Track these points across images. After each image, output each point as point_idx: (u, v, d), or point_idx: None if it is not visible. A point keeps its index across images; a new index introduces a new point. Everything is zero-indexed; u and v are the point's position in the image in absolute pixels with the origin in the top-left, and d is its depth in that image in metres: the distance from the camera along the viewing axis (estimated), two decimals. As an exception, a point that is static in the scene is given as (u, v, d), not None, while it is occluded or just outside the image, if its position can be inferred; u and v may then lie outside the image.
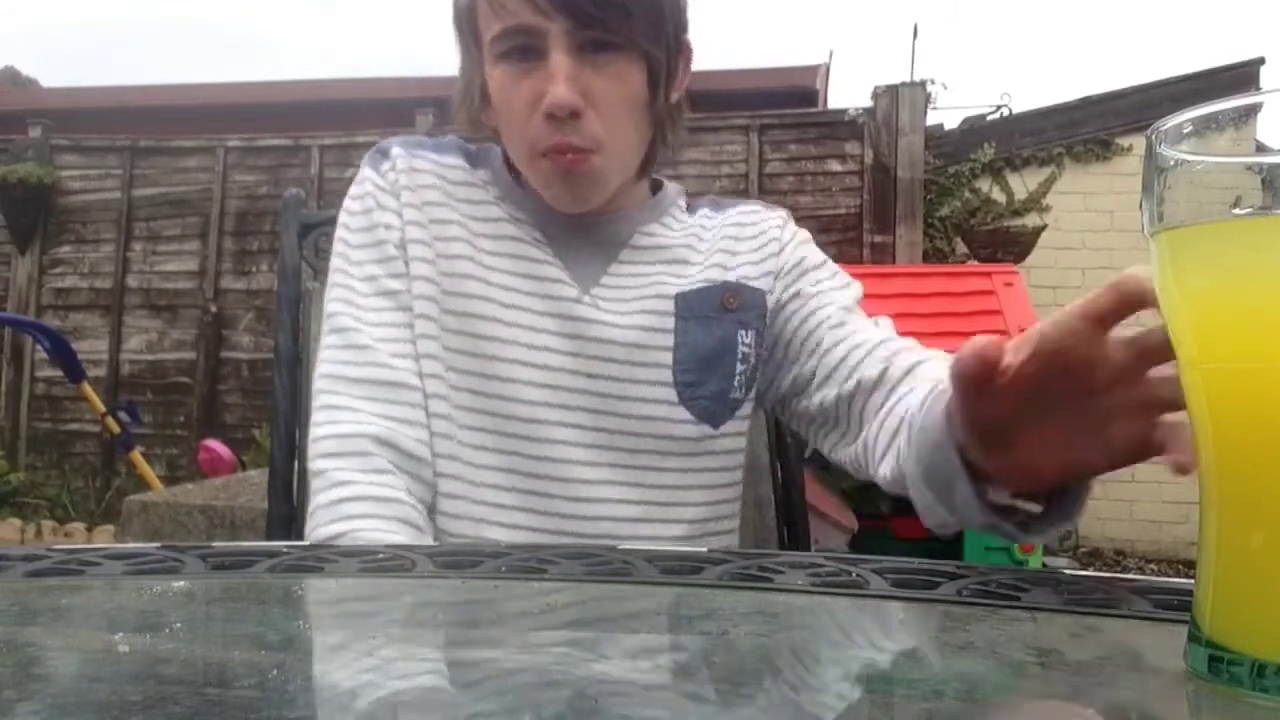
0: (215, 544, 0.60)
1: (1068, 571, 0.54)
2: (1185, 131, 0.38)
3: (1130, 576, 0.53)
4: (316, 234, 1.16)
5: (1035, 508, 0.61)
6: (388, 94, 6.50)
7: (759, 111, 5.56)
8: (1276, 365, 0.34)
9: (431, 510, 0.87)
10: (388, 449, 0.85)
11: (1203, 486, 0.39)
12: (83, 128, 6.45)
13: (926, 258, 5.36)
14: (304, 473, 0.89)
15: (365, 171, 0.94)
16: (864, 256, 5.36)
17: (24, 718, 0.30)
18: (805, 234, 1.00)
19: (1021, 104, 5.77)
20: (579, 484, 0.87)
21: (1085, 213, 5.39)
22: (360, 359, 0.87)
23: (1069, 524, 0.61)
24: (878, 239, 5.39)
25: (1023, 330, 3.40)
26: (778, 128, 5.56)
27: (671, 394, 0.89)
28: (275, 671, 0.38)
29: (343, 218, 0.94)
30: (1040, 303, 4.60)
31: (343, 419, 0.86)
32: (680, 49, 0.91)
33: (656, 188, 1.01)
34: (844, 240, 5.44)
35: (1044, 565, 3.40)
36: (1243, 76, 5.36)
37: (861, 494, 3.80)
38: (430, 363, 0.88)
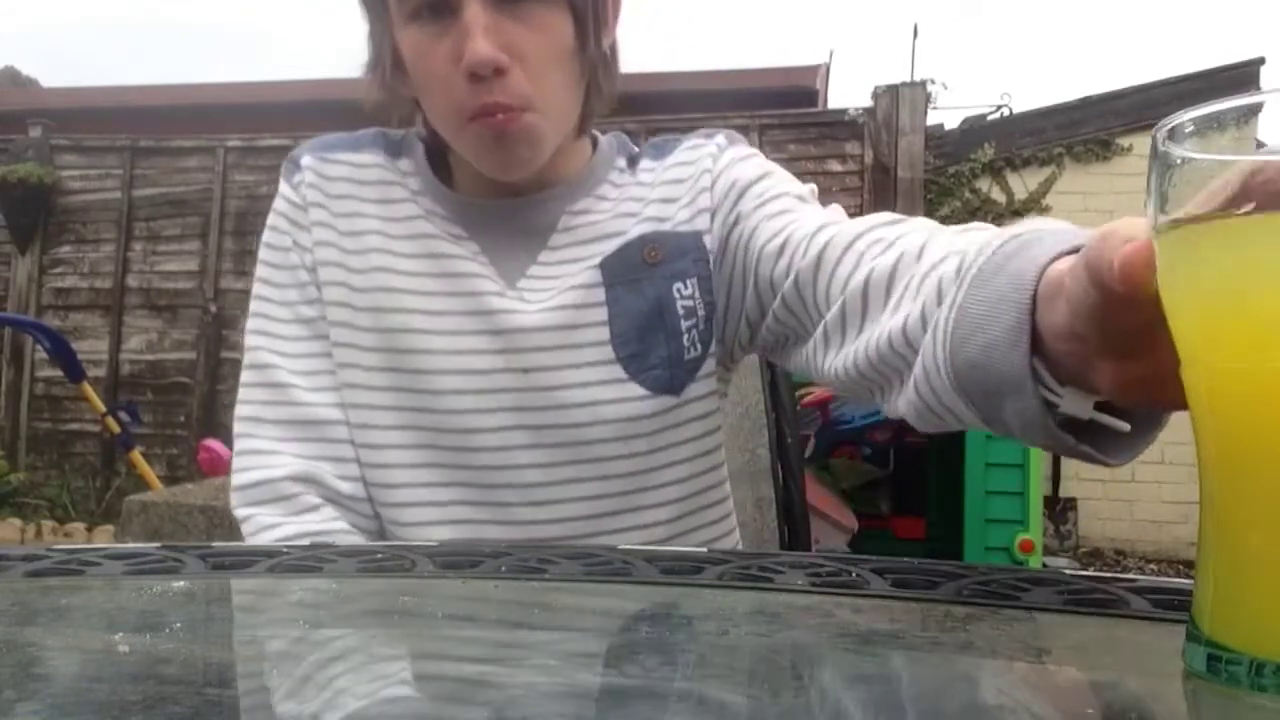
0: (215, 544, 0.60)
1: (1068, 571, 0.54)
2: (1189, 130, 0.38)
3: (1130, 576, 0.53)
4: (316, 234, 1.16)
5: (1123, 425, 0.51)
6: (388, 94, 6.49)
7: (759, 111, 5.56)
8: (1278, 364, 0.34)
9: (391, 539, 0.84)
10: (313, 485, 0.82)
11: (1203, 486, 0.39)
12: (83, 128, 6.45)
13: (926, 258, 5.36)
14: None
15: (280, 186, 0.89)
16: (864, 256, 5.36)
17: (24, 718, 0.30)
18: (744, 151, 0.89)
19: (1021, 104, 5.79)
20: (535, 488, 0.82)
21: (1085, 213, 5.39)
22: (278, 398, 0.83)
23: (1149, 442, 0.52)
24: (878, 239, 5.38)
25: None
26: (778, 128, 5.56)
27: (617, 371, 0.82)
28: (275, 671, 0.38)
29: (265, 236, 0.89)
30: (1040, 303, 4.59)
31: (262, 464, 0.82)
32: None
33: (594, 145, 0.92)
34: (844, 240, 5.44)
35: (1044, 565, 3.40)
36: (1243, 76, 5.36)
37: (861, 494, 3.81)
38: (356, 392, 0.83)
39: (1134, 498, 5.33)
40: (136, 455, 4.76)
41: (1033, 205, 5.43)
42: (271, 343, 0.85)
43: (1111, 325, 0.44)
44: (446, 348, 0.83)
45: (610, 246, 0.85)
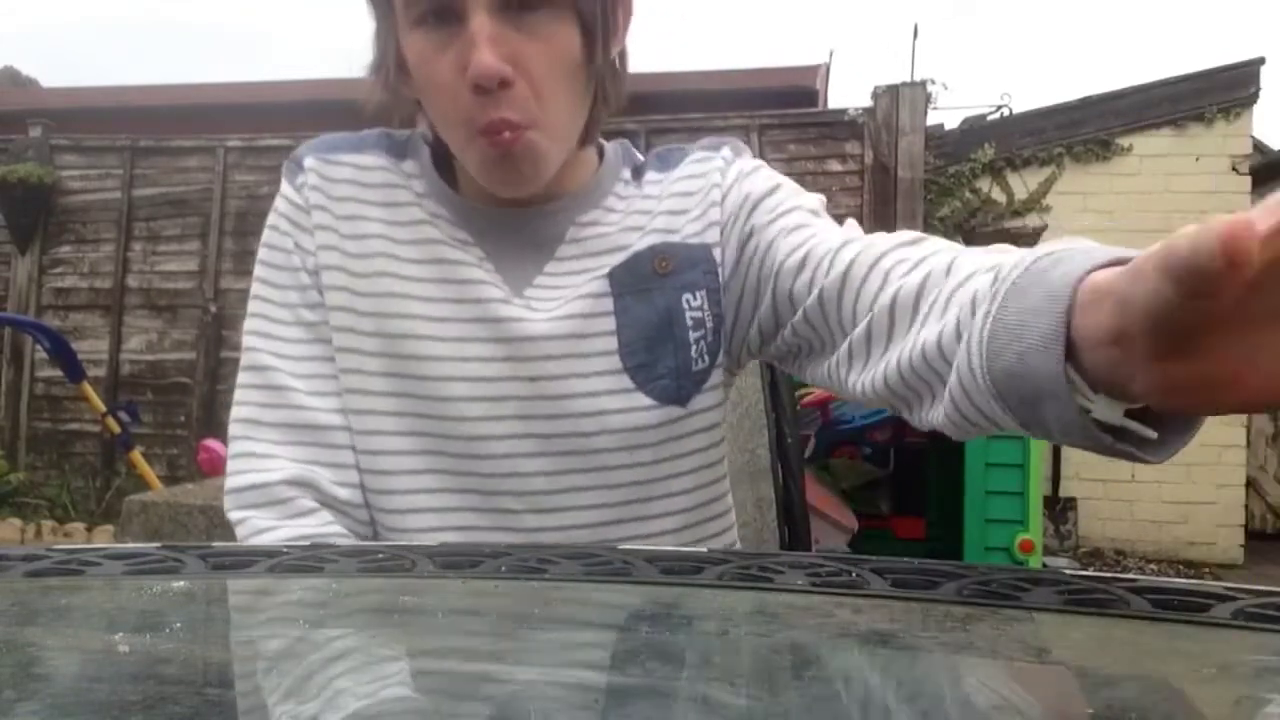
0: (215, 544, 0.60)
1: (1068, 571, 0.54)
2: None
3: (1130, 576, 0.53)
4: (316, 234, 1.16)
5: (1150, 433, 0.53)
6: (388, 94, 6.49)
7: (759, 111, 5.56)
8: None
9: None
10: (309, 489, 0.81)
11: None
12: (83, 128, 6.45)
13: (926, 258, 5.35)
14: None
15: (282, 186, 0.88)
16: (864, 256, 5.36)
17: (24, 718, 0.30)
18: (752, 163, 0.88)
19: (1021, 104, 5.79)
20: (540, 495, 0.82)
21: (1085, 213, 5.39)
22: (275, 400, 0.82)
23: (1187, 441, 0.54)
24: (878, 239, 5.39)
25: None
26: (778, 128, 5.56)
27: (625, 381, 0.81)
28: (275, 672, 0.38)
29: (264, 237, 0.87)
30: (1040, 303, 4.59)
31: (257, 466, 0.81)
32: None
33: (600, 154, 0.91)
34: (844, 240, 5.44)
35: (1044, 565, 3.40)
36: (1243, 76, 5.36)
37: (861, 494, 3.81)
38: (357, 398, 0.82)
39: (1134, 498, 5.33)
40: (136, 455, 4.76)
41: (1033, 205, 5.43)
42: (270, 344, 0.84)
43: (1179, 321, 0.43)
44: (452, 354, 0.82)
45: (617, 259, 0.84)
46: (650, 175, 0.89)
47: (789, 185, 0.87)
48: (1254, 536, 5.49)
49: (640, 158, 0.92)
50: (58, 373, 5.24)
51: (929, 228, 5.42)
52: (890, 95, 5.43)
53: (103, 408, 4.76)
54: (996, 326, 0.54)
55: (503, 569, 0.55)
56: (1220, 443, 5.25)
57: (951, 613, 0.47)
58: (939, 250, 0.71)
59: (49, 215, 6.26)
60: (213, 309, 6.02)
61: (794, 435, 1.25)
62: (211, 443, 4.99)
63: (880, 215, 5.39)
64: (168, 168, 6.23)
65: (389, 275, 0.83)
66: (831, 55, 12.46)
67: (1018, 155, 5.47)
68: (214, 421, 5.90)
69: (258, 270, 0.87)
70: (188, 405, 6.01)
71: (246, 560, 0.56)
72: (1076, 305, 0.50)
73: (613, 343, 0.82)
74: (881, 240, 0.76)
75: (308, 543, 0.78)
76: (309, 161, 0.87)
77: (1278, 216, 0.43)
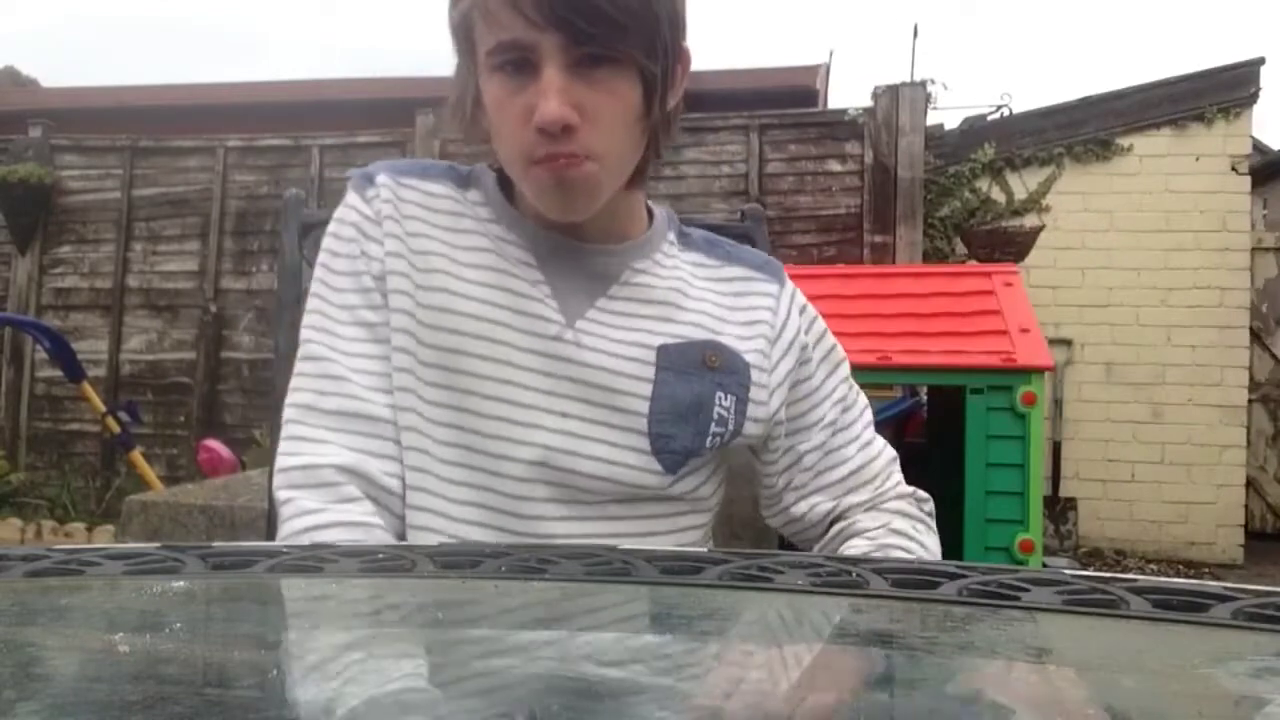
0: (215, 544, 0.60)
1: (1068, 571, 0.54)
2: None
3: (1130, 576, 0.53)
4: (317, 234, 1.16)
5: None
6: (388, 94, 6.50)
7: (759, 111, 5.55)
8: None
9: (400, 539, 0.87)
10: (357, 478, 0.85)
11: None
12: (83, 128, 6.44)
13: (926, 258, 5.36)
14: None
15: (350, 197, 0.93)
16: (864, 256, 5.36)
17: (24, 718, 0.30)
18: (799, 301, 0.99)
19: (1021, 104, 5.78)
20: (543, 521, 0.86)
21: (1085, 213, 5.39)
22: (333, 389, 0.87)
23: None
24: (878, 239, 5.38)
25: (1023, 330, 3.33)
26: (778, 128, 5.55)
27: (644, 443, 0.88)
28: (274, 671, 0.38)
29: (326, 241, 0.93)
30: (1040, 303, 4.59)
31: (309, 450, 0.85)
32: (679, 56, 0.89)
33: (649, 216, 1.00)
34: (844, 240, 5.44)
35: (1044, 565, 3.40)
36: (1243, 76, 5.35)
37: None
38: (405, 396, 0.87)
39: (1134, 498, 5.33)
40: (136, 455, 4.76)
41: (1033, 205, 5.43)
42: (328, 339, 0.89)
43: None
44: (499, 375, 0.87)
45: (662, 320, 0.91)
46: (698, 255, 0.98)
47: (828, 340, 1.01)
48: (1254, 536, 5.48)
49: (680, 226, 1.00)
50: (58, 373, 5.24)
51: (929, 227, 5.42)
52: (890, 95, 5.43)
53: (103, 408, 4.76)
54: None
55: (502, 569, 0.55)
56: (1220, 443, 5.25)
57: (951, 613, 0.47)
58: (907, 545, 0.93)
59: (49, 215, 6.26)
60: (213, 309, 6.02)
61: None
62: (211, 443, 4.99)
63: (880, 215, 5.39)
64: (168, 168, 6.23)
65: (447, 292, 0.89)
66: (831, 55, 12.47)
67: (1018, 155, 5.46)
68: (214, 421, 5.90)
69: (318, 272, 0.92)
70: (188, 405, 6.01)
71: (246, 560, 0.56)
72: None
73: (644, 406, 0.88)
74: (873, 519, 0.96)
75: (309, 541, 0.79)
76: (382, 178, 0.93)
77: None
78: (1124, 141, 5.38)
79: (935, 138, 5.54)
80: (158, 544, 0.60)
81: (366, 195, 0.92)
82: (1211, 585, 0.48)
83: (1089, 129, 5.43)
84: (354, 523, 0.82)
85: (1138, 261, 5.32)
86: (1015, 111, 5.69)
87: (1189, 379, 5.27)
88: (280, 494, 0.85)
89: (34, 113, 6.61)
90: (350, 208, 0.93)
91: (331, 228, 0.93)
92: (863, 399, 1.01)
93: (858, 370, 1.03)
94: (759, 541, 1.15)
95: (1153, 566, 5.18)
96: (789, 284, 0.99)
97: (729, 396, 0.91)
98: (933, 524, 0.99)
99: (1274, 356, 5.74)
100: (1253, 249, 5.44)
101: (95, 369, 5.87)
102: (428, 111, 5.78)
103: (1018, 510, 3.21)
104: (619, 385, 0.88)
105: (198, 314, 6.05)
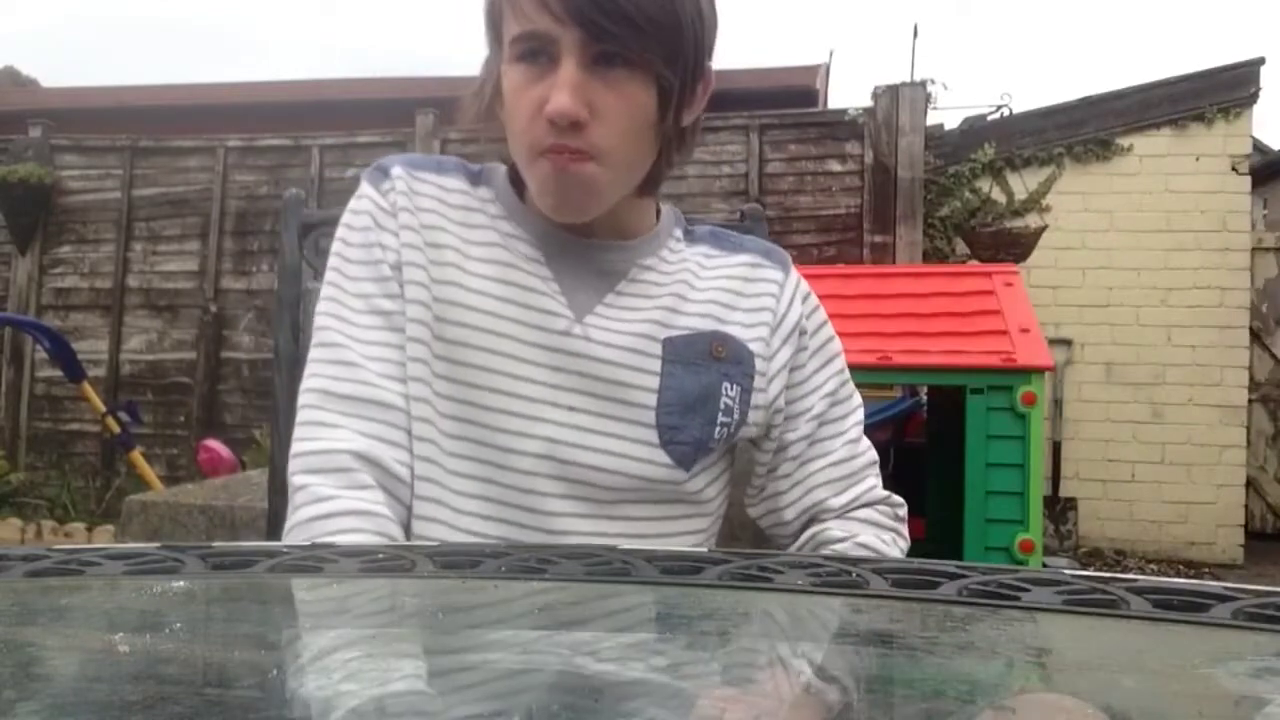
0: (215, 544, 0.60)
1: (1068, 571, 0.54)
2: None
3: (1130, 576, 0.53)
4: (317, 234, 1.16)
5: None
6: (388, 94, 6.50)
7: (759, 111, 5.55)
8: None
9: (407, 531, 0.87)
10: (369, 465, 0.85)
11: None
12: (83, 128, 6.44)
13: (926, 258, 5.36)
14: None
15: (365, 188, 0.94)
16: (864, 256, 5.36)
17: (24, 718, 0.30)
18: (802, 290, 1.00)
19: (1021, 104, 5.77)
20: (551, 517, 0.87)
21: (1085, 213, 5.39)
22: (347, 375, 0.87)
23: None
24: (878, 239, 5.38)
25: (1024, 330, 3.33)
26: (778, 128, 5.55)
27: (652, 436, 0.88)
28: (274, 671, 0.38)
29: (341, 232, 0.94)
30: (1040, 303, 4.60)
31: (324, 435, 0.86)
32: (700, 74, 0.89)
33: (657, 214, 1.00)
34: (844, 240, 5.44)
35: (1044, 565, 3.40)
36: (1243, 76, 5.35)
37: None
38: (419, 385, 0.88)
39: (1134, 498, 5.33)
40: (136, 455, 4.76)
41: (1033, 205, 5.42)
42: (343, 326, 0.90)
43: None
44: (506, 369, 0.87)
45: (669, 313, 0.92)
46: (704, 248, 0.99)
47: (826, 330, 1.01)
48: (1254, 536, 5.48)
49: (686, 223, 1.01)
50: (58, 373, 5.24)
51: (929, 227, 5.42)
52: (890, 95, 5.43)
53: (103, 408, 4.77)
54: None
55: (503, 569, 0.55)
56: (1220, 443, 5.25)
57: (951, 613, 0.47)
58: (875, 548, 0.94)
59: (49, 215, 6.26)
60: (213, 309, 6.02)
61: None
62: (211, 443, 4.99)
63: (880, 215, 5.39)
64: (168, 168, 6.23)
65: (457, 286, 0.89)
66: (831, 55, 12.47)
67: (1018, 155, 5.46)
68: (214, 421, 5.90)
69: (332, 261, 0.93)
70: (188, 405, 6.01)
71: (246, 560, 0.56)
72: None
73: (652, 399, 0.89)
74: (849, 521, 0.97)
75: (321, 529, 0.80)
76: (397, 171, 0.94)
77: None
78: (1124, 141, 5.38)
79: (935, 138, 5.54)
80: (158, 544, 0.60)
81: (381, 187, 0.93)
82: (1211, 585, 0.48)
83: (1089, 129, 5.42)
84: (365, 511, 0.83)
85: (1138, 261, 5.32)
86: (1015, 111, 5.69)
87: (1189, 379, 5.27)
88: (295, 479, 0.85)
89: (34, 113, 6.61)
90: (365, 198, 0.94)
91: (345, 218, 0.94)
92: (856, 398, 1.01)
93: (858, 370, 1.04)
94: (759, 541, 1.15)
95: (1153, 566, 5.18)
96: (794, 272, 1.00)
97: (735, 386, 0.92)
98: (904, 529, 1.00)
99: (1274, 356, 5.74)
100: (1253, 249, 5.43)
101: (95, 369, 5.87)
102: (428, 111, 5.79)
103: (1018, 510, 3.21)
104: (626, 379, 0.89)
105: (198, 314, 6.05)
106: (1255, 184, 5.64)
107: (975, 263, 4.80)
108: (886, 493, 0.99)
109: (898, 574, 0.52)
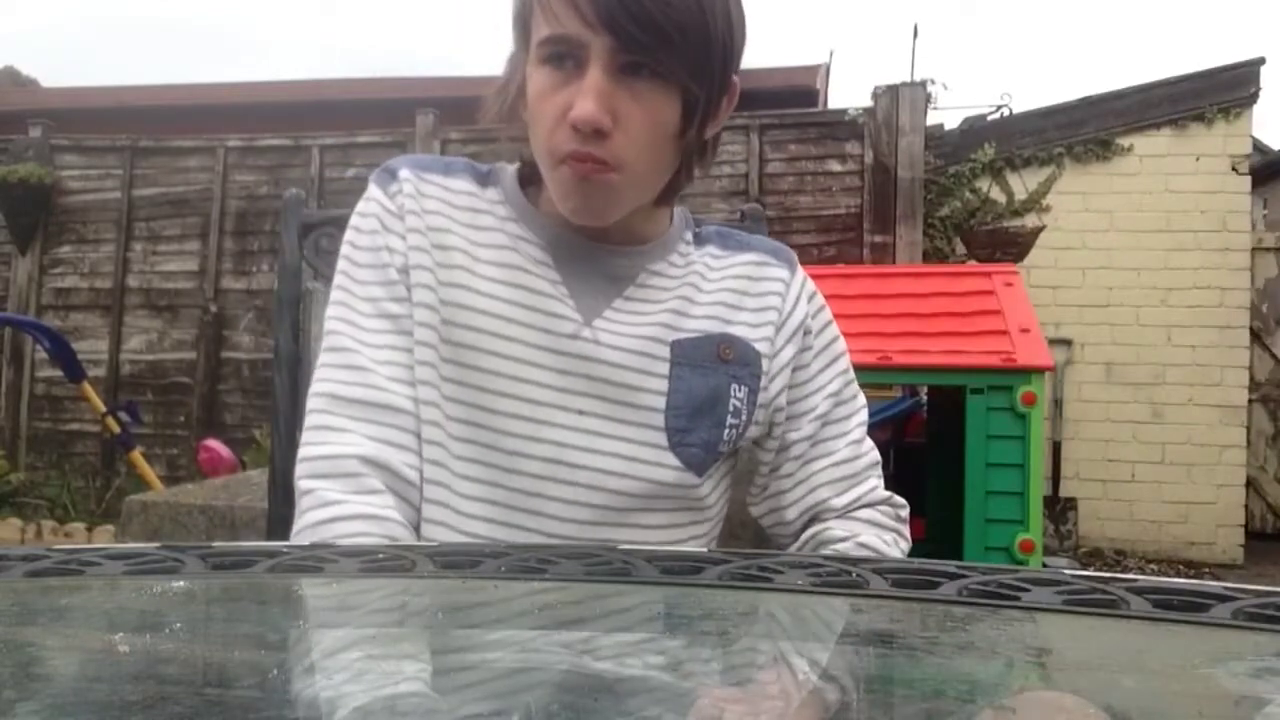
0: (215, 544, 0.60)
1: (1068, 571, 0.54)
2: None
3: (1130, 576, 0.53)
4: (317, 234, 1.16)
5: None
6: (388, 94, 6.50)
7: (759, 111, 5.55)
8: None
9: (417, 535, 0.87)
10: (378, 469, 0.85)
11: None
12: (83, 128, 6.44)
13: (926, 258, 5.36)
14: None
15: (372, 190, 0.94)
16: (864, 256, 5.36)
17: (24, 718, 0.30)
18: (808, 289, 0.99)
19: (1021, 104, 5.77)
20: (557, 521, 0.87)
21: (1085, 213, 5.39)
22: (356, 380, 0.87)
23: None
24: (878, 239, 5.38)
25: (1024, 330, 3.33)
26: (778, 128, 5.55)
27: (661, 439, 0.88)
28: (275, 671, 0.38)
29: (349, 235, 0.94)
30: (1040, 303, 4.60)
31: (332, 440, 0.85)
32: (726, 87, 0.88)
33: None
34: (844, 240, 5.44)
35: (1044, 565, 3.40)
36: (1243, 76, 5.35)
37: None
38: (427, 389, 0.88)
39: (1134, 498, 5.33)
40: (137, 455, 4.76)
41: (1033, 205, 5.42)
42: (351, 330, 0.89)
43: None
44: (514, 373, 0.87)
45: (677, 315, 0.92)
46: (711, 249, 0.98)
47: (831, 329, 1.01)
48: (1254, 536, 5.48)
49: (697, 225, 1.01)
50: (58, 373, 5.23)
51: (929, 227, 5.42)
52: (890, 95, 5.43)
53: (103, 408, 4.77)
54: None
55: (503, 569, 0.55)
56: (1220, 443, 5.25)
57: (951, 613, 0.47)
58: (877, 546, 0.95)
59: (49, 215, 6.26)
60: (213, 309, 6.02)
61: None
62: (211, 443, 4.99)
63: (880, 215, 5.39)
64: (168, 168, 6.23)
65: (465, 288, 0.89)
66: (831, 55, 12.47)
67: (1018, 155, 5.46)
68: (214, 421, 5.90)
69: (341, 264, 0.93)
70: (188, 405, 6.01)
71: (246, 560, 0.56)
72: None
73: (660, 402, 0.89)
74: (850, 522, 0.97)
75: (329, 533, 0.80)
76: (404, 173, 0.94)
77: None
78: (1124, 141, 5.38)
79: (935, 138, 5.54)
80: (158, 544, 0.60)
81: (389, 190, 0.93)
82: (1211, 585, 0.48)
83: (1089, 129, 5.42)
84: (374, 515, 0.83)
85: (1138, 261, 5.32)
86: (1015, 111, 5.69)
87: (1189, 379, 5.27)
88: (302, 483, 0.85)
89: (34, 113, 6.61)
90: (372, 200, 0.93)
91: (353, 221, 0.94)
92: (860, 398, 1.01)
93: (857, 370, 1.03)
94: (759, 541, 1.15)
95: (1153, 566, 5.17)
96: (800, 271, 1.00)
97: (742, 388, 0.92)
98: (905, 530, 1.00)
99: (1274, 356, 5.74)
100: (1253, 249, 5.43)
101: (95, 369, 5.87)
102: (428, 111, 5.78)
103: (1018, 510, 3.21)
104: (635, 382, 0.88)
105: (198, 314, 6.05)
106: (1255, 184, 5.63)
107: (974, 263, 4.80)
108: (888, 493, 0.99)
109: (898, 574, 0.52)
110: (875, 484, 0.99)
